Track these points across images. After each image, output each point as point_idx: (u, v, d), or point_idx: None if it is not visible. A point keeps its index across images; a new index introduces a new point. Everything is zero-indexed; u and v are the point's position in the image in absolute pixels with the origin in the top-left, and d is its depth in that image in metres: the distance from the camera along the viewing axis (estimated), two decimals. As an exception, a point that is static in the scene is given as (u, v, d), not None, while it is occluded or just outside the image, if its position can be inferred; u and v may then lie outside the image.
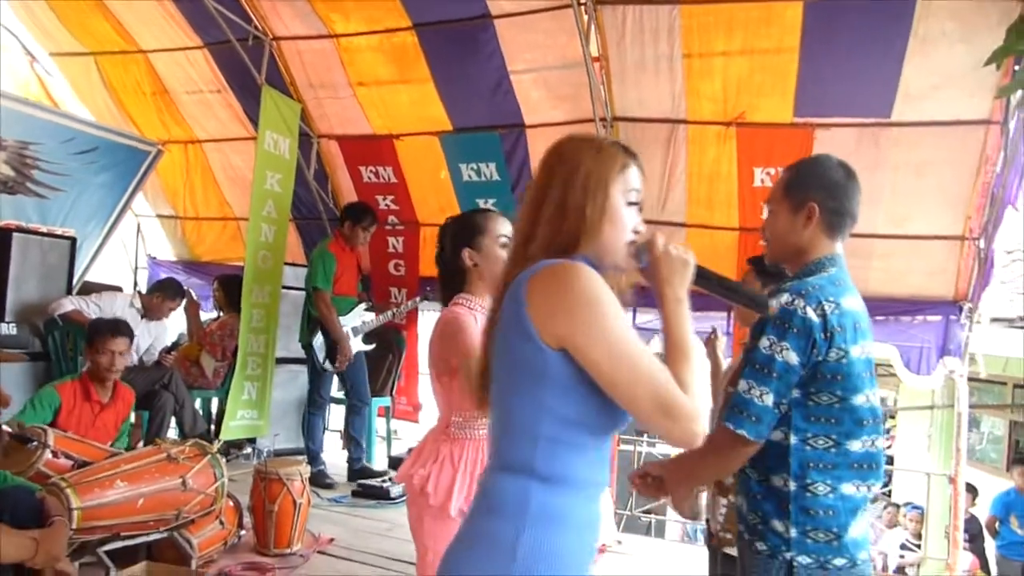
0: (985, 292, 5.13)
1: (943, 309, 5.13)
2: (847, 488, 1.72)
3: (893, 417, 11.55)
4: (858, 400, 1.72)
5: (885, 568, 7.30)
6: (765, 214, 1.96)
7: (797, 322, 1.68)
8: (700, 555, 2.91)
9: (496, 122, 5.41)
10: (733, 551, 2.39)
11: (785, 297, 1.73)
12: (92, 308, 4.81)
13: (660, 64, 4.74)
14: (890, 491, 9.61)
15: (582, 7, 4.56)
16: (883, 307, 5.22)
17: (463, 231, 2.27)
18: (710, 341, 3.13)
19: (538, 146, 5.44)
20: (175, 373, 5.11)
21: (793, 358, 1.68)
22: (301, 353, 5.63)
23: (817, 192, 1.82)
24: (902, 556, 7.40)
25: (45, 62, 6.54)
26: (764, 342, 1.71)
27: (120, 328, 3.85)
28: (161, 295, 5.28)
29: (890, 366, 5.52)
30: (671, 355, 1.30)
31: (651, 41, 4.63)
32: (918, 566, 7.14)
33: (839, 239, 1.85)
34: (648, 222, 4.61)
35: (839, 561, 1.70)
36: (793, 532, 1.70)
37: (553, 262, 1.30)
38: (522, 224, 1.42)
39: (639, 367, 1.23)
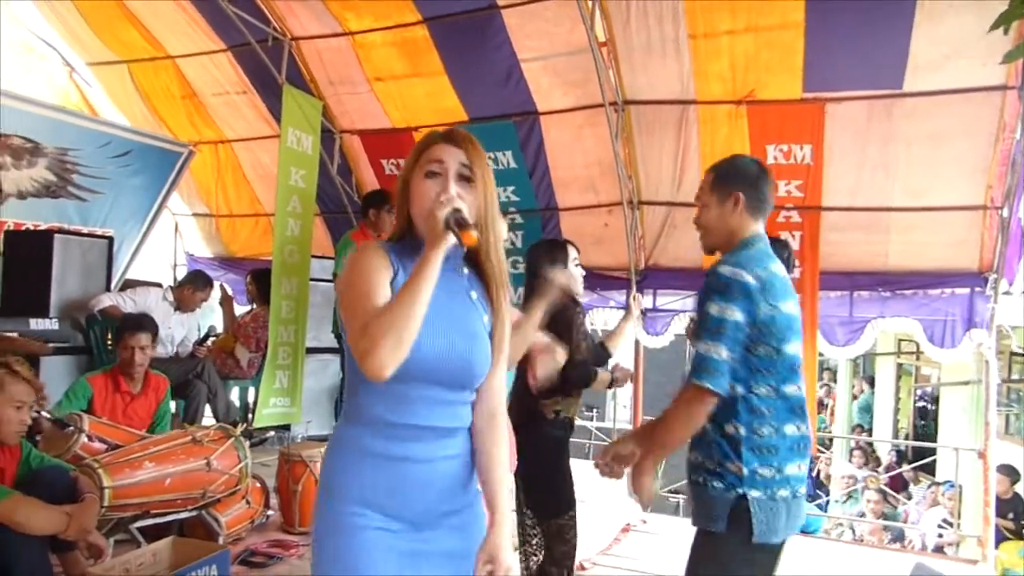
0: (1021, 263, 5.06)
1: (968, 281, 5.07)
2: (788, 428, 1.99)
3: (937, 400, 11.35)
4: (789, 349, 1.99)
5: (924, 548, 7.21)
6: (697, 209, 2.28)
7: (740, 287, 1.96)
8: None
9: (510, 110, 5.50)
10: None
11: (727, 268, 2.00)
12: (128, 303, 5.04)
13: (667, 46, 4.78)
14: (933, 463, 9.45)
15: (585, -7, 4.63)
16: (905, 280, 5.20)
17: None
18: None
19: (552, 132, 5.53)
20: (208, 363, 5.32)
21: (740, 316, 1.95)
22: (331, 343, 5.82)
23: (739, 184, 2.15)
24: (940, 535, 7.30)
25: (83, 72, 6.84)
26: (713, 308, 1.97)
27: (143, 324, 4.01)
28: (191, 287, 5.49)
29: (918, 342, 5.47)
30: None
31: (656, 24, 4.68)
32: (957, 545, 7.04)
33: (761, 220, 2.15)
34: (665, 204, 4.67)
35: (783, 492, 1.97)
36: (745, 471, 1.96)
37: None
38: None
39: (348, 315, 1.47)
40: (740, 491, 1.95)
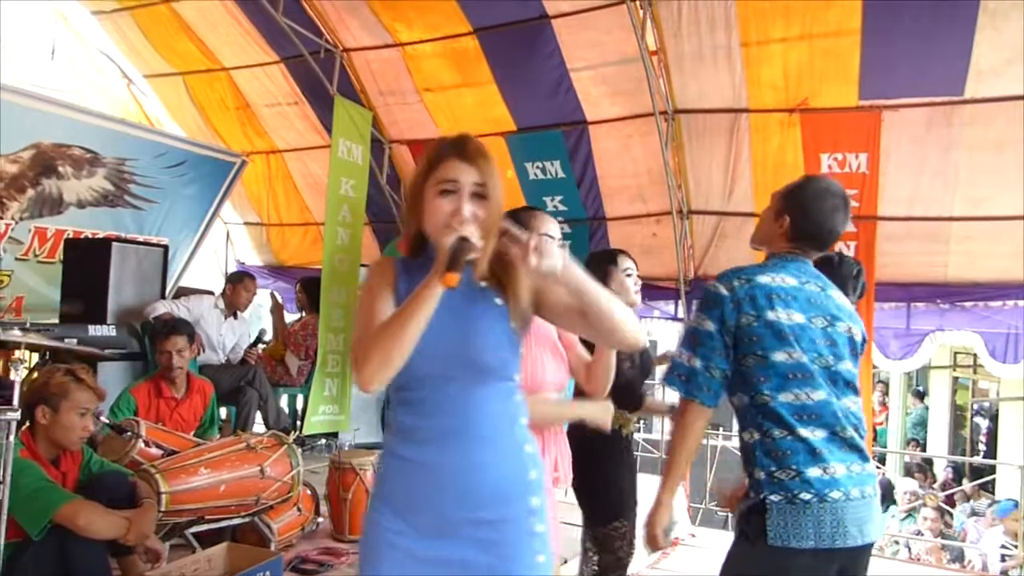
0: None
1: (1032, 293, 4.90)
2: (803, 432, 1.94)
3: (996, 415, 11.02)
4: (778, 357, 1.94)
5: (985, 568, 6.96)
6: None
7: (710, 297, 2.02)
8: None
9: (558, 120, 5.51)
10: None
11: (711, 282, 2.05)
12: (182, 311, 5.11)
13: (718, 54, 4.74)
14: (993, 482, 9.15)
15: (636, 2, 4.60)
16: (965, 293, 5.07)
17: None
18: None
19: (601, 142, 5.52)
20: (258, 370, 5.38)
21: (709, 326, 1.98)
22: (380, 351, 5.83)
23: (795, 212, 2.08)
24: (1004, 559, 7.04)
25: (140, 84, 7.02)
26: (691, 316, 2.09)
27: (177, 327, 4.04)
28: (230, 286, 5.53)
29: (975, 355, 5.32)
30: None
31: (708, 32, 4.65)
32: (1021, 567, 6.79)
33: (800, 251, 2.10)
34: (715, 213, 4.62)
35: (805, 496, 1.90)
36: (762, 475, 1.94)
37: None
38: None
39: (355, 325, 1.58)
40: (760, 496, 1.93)
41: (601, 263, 3.01)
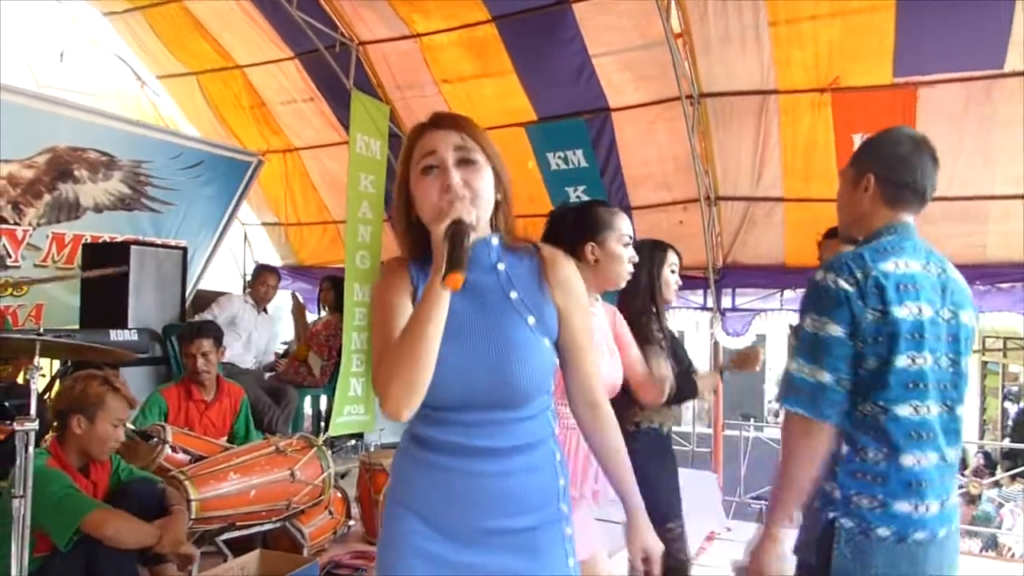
0: None
1: (1076, 272, 4.75)
2: (907, 458, 1.67)
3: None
4: (901, 362, 1.66)
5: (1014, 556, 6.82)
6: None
7: (828, 294, 1.68)
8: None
9: (580, 108, 5.39)
10: None
11: (820, 272, 1.72)
12: (220, 318, 5.08)
13: (746, 35, 4.61)
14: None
15: (660, -16, 4.48)
16: (1004, 273, 4.93)
17: (588, 224, 2.25)
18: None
19: (625, 129, 5.39)
20: (287, 387, 5.33)
21: (835, 329, 1.67)
22: (404, 350, 5.75)
23: (875, 164, 1.81)
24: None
25: (154, 85, 6.95)
26: (806, 322, 1.72)
27: (203, 329, 3.98)
28: (254, 281, 5.56)
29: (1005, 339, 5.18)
30: None
31: (734, 13, 4.52)
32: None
33: (903, 211, 1.80)
34: (743, 199, 4.49)
35: (883, 531, 1.66)
36: (837, 494, 1.70)
37: None
38: None
39: (373, 351, 1.38)
40: (830, 515, 1.70)
41: (653, 253, 2.87)
